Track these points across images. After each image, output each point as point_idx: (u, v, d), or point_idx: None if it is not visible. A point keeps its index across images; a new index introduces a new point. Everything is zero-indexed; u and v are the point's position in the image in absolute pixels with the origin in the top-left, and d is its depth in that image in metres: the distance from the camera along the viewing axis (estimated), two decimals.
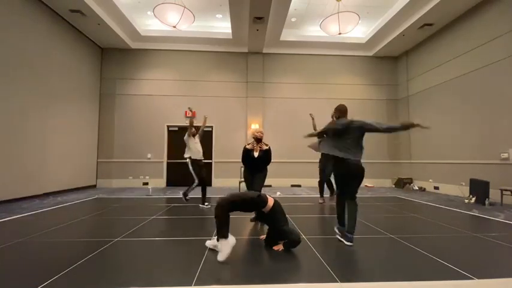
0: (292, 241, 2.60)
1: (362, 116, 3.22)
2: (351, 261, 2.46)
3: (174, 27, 6.39)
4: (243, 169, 4.12)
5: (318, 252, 2.57)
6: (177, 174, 8.83)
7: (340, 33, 6.75)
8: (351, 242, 2.79)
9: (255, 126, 8.80)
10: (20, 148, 5.63)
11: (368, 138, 3.06)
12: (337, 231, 3.01)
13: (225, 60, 9.16)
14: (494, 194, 5.41)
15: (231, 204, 2.41)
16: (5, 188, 5.28)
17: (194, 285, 1.87)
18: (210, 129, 8.93)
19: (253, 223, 3.73)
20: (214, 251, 2.53)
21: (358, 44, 8.96)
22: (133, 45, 8.79)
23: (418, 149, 8.48)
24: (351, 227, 2.84)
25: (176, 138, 8.96)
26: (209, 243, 2.65)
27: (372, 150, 8.77)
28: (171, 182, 8.81)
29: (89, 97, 8.14)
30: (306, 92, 9.27)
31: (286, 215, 2.76)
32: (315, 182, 5.64)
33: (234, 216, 2.62)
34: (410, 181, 8.52)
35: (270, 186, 8.45)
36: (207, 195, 5.12)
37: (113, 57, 8.82)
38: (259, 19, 6.96)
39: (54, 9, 6.57)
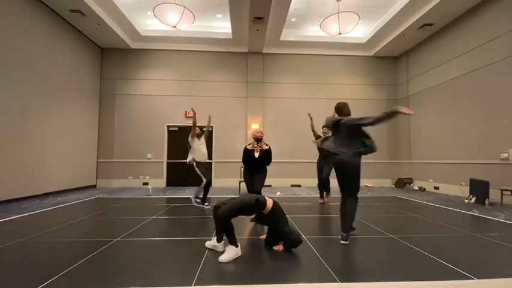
0: (293, 241, 2.60)
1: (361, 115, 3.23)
2: (351, 261, 2.47)
3: (174, 27, 6.39)
4: (243, 169, 4.12)
5: (318, 252, 2.57)
6: (177, 174, 8.83)
7: (340, 33, 6.75)
8: (344, 240, 2.81)
9: (255, 126, 8.80)
10: (20, 148, 5.63)
11: None
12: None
13: (225, 60, 9.16)
14: (494, 194, 5.41)
15: (230, 214, 2.40)
16: (5, 188, 5.28)
17: (194, 285, 1.87)
18: (210, 129, 8.91)
19: (253, 223, 3.73)
20: (214, 251, 2.54)
21: (358, 44, 8.96)
22: (133, 45, 8.79)
23: (418, 149, 8.48)
24: (344, 226, 2.87)
25: (176, 138, 8.97)
26: (209, 244, 2.65)
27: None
28: (171, 182, 8.81)
29: (89, 97, 8.14)
30: (306, 92, 9.27)
31: (286, 215, 2.76)
32: (315, 182, 5.63)
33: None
34: (410, 181, 8.52)
35: (270, 186, 8.45)
36: (207, 196, 5.09)
37: (113, 57, 8.82)
38: (259, 19, 6.96)
39: (54, 9, 6.57)
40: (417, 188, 8.14)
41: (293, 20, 7.99)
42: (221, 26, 8.38)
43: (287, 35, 8.61)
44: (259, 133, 3.95)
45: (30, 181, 5.91)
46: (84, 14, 6.72)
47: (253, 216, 3.84)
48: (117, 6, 6.88)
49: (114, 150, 8.64)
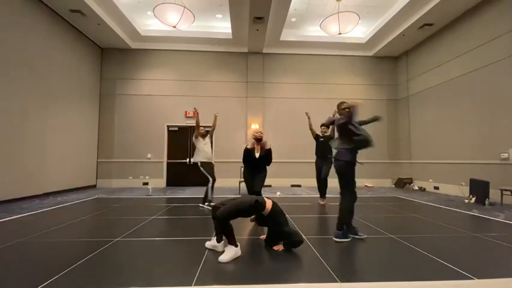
0: (294, 242, 2.60)
1: (362, 116, 3.23)
2: (351, 261, 2.47)
3: (174, 27, 6.38)
4: (243, 169, 4.12)
5: (318, 252, 2.56)
6: (177, 174, 8.84)
7: (340, 33, 6.75)
8: (336, 237, 2.91)
9: (255, 126, 8.80)
10: (20, 148, 5.63)
11: None
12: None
13: (225, 60, 9.16)
14: (494, 194, 5.41)
15: (229, 216, 2.40)
16: (5, 188, 5.28)
17: (194, 285, 1.87)
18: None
19: (253, 223, 3.73)
20: (214, 251, 2.54)
21: (358, 44, 8.96)
22: (133, 45, 8.79)
23: (418, 149, 8.48)
24: (337, 223, 2.94)
25: (176, 138, 8.97)
26: (208, 244, 2.65)
27: (372, 150, 8.76)
28: (171, 182, 8.81)
29: (89, 97, 8.14)
30: (306, 92, 9.27)
31: (286, 215, 2.76)
32: (315, 182, 5.61)
33: None
34: (410, 181, 8.52)
35: (270, 186, 8.45)
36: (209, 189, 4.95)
37: (113, 57, 8.82)
38: (259, 19, 6.96)
39: (54, 9, 6.57)
40: (417, 188, 8.14)
41: (293, 20, 7.99)
42: (221, 26, 8.38)
43: (287, 35, 8.61)
44: (259, 133, 3.96)
45: (30, 181, 5.91)
46: (84, 14, 6.72)
47: (253, 216, 3.85)
48: (117, 6, 6.89)
49: (114, 150, 8.64)
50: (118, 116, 8.74)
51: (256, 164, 3.93)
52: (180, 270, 2.15)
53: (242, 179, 4.23)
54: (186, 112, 8.88)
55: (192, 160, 4.91)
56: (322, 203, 5.32)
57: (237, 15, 7.17)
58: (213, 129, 5.16)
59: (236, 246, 2.41)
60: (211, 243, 2.63)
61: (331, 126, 5.17)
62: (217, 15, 7.91)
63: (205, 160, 4.82)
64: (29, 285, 1.85)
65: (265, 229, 2.92)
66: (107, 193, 7.00)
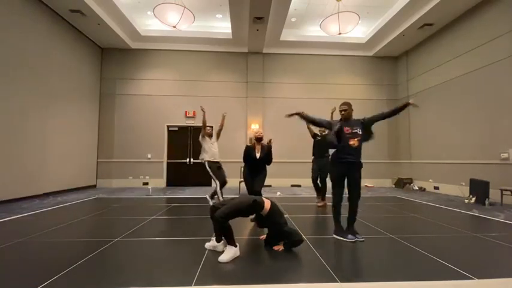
0: (294, 241, 2.60)
1: (365, 114, 3.27)
2: (351, 261, 2.47)
3: (174, 27, 6.38)
4: (243, 169, 4.13)
5: (318, 252, 2.56)
6: (177, 174, 8.84)
7: (340, 33, 6.75)
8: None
9: (255, 126, 8.81)
10: (20, 148, 5.62)
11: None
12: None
13: (225, 60, 9.16)
14: (494, 194, 5.41)
15: (228, 216, 2.39)
16: (5, 188, 5.27)
17: (194, 285, 1.87)
18: (210, 129, 8.92)
19: (253, 223, 3.73)
20: (214, 251, 2.54)
21: (358, 44, 8.96)
22: (133, 45, 8.79)
23: (418, 149, 8.48)
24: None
25: (176, 138, 8.97)
26: (208, 245, 2.65)
27: (372, 150, 8.76)
28: (171, 182, 8.81)
29: (89, 97, 8.14)
30: (306, 92, 9.27)
31: (286, 215, 2.76)
32: None
33: None
34: (410, 181, 8.52)
35: (270, 186, 8.45)
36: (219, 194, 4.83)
37: (113, 57, 8.82)
38: (259, 19, 6.96)
39: (54, 9, 6.57)
40: (417, 188, 8.14)
41: (293, 20, 7.99)
42: (221, 26, 8.38)
43: (287, 35, 8.61)
44: (259, 133, 3.98)
45: (30, 181, 5.91)
46: (84, 14, 6.72)
47: (253, 216, 3.85)
48: (117, 6, 6.88)
49: (114, 150, 8.64)
50: (118, 116, 8.74)
51: (256, 164, 3.94)
52: (180, 270, 2.15)
53: (242, 179, 4.23)
54: (186, 112, 8.88)
55: (199, 159, 4.80)
56: (320, 204, 5.17)
57: (237, 15, 7.17)
58: (221, 129, 5.04)
59: (235, 246, 2.41)
60: (211, 243, 2.63)
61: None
62: (217, 15, 7.91)
63: (212, 160, 4.72)
64: (29, 285, 1.85)
65: (265, 229, 2.92)
66: (107, 193, 7.00)
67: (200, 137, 4.81)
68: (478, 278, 2.01)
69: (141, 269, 2.18)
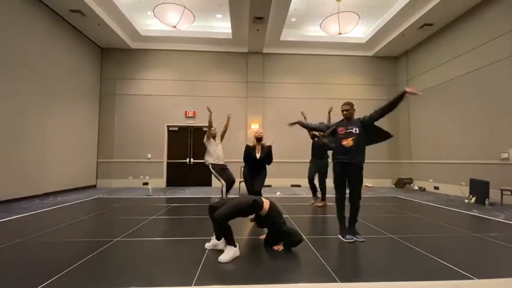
0: (293, 241, 2.60)
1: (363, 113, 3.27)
2: (351, 261, 2.47)
3: (174, 27, 6.38)
4: (243, 169, 4.13)
5: (318, 252, 2.56)
6: (177, 174, 8.84)
7: (340, 33, 6.75)
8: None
9: (255, 126, 8.81)
10: (20, 148, 5.62)
11: None
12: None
13: (225, 60, 9.16)
14: (494, 194, 5.41)
15: (227, 217, 2.39)
16: (5, 188, 5.27)
17: (194, 285, 1.87)
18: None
19: (253, 223, 3.73)
20: (214, 251, 2.54)
21: (358, 44, 8.96)
22: (133, 45, 8.79)
23: (418, 149, 8.48)
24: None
25: (176, 138, 8.97)
26: (208, 245, 2.65)
27: (372, 150, 8.74)
28: (171, 182, 8.81)
29: (89, 97, 8.14)
30: (306, 92, 9.27)
31: (285, 215, 2.76)
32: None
33: None
34: (410, 181, 8.52)
35: (270, 186, 8.45)
36: (228, 193, 4.66)
37: (113, 57, 8.82)
38: (259, 19, 6.96)
39: (54, 9, 6.57)
40: (417, 188, 8.14)
41: (293, 20, 7.99)
42: (221, 26, 8.38)
43: (287, 35, 8.61)
44: (259, 133, 4.00)
45: (30, 181, 5.91)
46: (84, 14, 6.72)
47: (253, 216, 3.86)
48: (117, 6, 6.88)
49: (114, 150, 8.64)
50: (118, 116, 8.74)
51: (256, 164, 3.94)
52: (180, 270, 2.15)
53: (242, 179, 4.23)
54: (186, 112, 8.89)
55: (204, 161, 4.68)
56: (319, 204, 5.17)
57: (237, 15, 7.17)
58: (225, 130, 4.94)
59: (235, 246, 2.41)
60: (211, 243, 2.63)
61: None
62: (217, 15, 7.91)
63: (216, 162, 4.61)
64: (29, 285, 1.85)
65: (265, 229, 2.92)
66: (107, 193, 7.00)
67: (205, 138, 4.69)
68: (478, 278, 2.01)
69: (141, 269, 2.18)
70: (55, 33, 6.69)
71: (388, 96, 9.48)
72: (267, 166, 4.09)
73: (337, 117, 3.49)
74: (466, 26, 6.74)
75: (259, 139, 3.99)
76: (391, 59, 9.56)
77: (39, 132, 6.14)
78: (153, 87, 8.91)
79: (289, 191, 7.72)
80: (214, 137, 4.73)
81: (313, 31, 8.62)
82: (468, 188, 5.94)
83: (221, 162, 4.65)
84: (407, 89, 2.79)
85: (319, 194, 5.32)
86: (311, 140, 5.59)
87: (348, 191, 3.07)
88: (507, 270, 2.16)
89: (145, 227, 3.50)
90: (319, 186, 5.21)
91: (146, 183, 8.46)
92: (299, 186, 8.82)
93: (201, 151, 8.80)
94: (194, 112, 8.91)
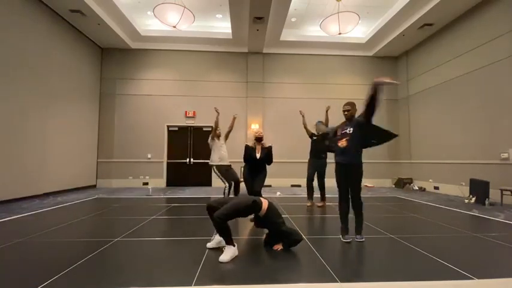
0: (292, 241, 2.61)
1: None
2: (351, 261, 2.47)
3: (174, 27, 6.39)
4: (243, 169, 4.13)
5: (318, 252, 2.56)
6: (177, 174, 8.84)
7: (340, 33, 6.75)
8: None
9: (255, 126, 8.81)
10: (20, 148, 5.62)
11: None
12: None
13: (225, 60, 9.16)
14: (494, 194, 5.41)
15: (226, 217, 2.40)
16: (5, 188, 5.27)
17: (194, 285, 1.87)
18: (210, 129, 8.93)
19: (253, 223, 3.72)
20: (214, 251, 2.54)
21: (358, 44, 8.96)
22: (133, 45, 8.79)
23: (418, 149, 8.48)
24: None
25: (176, 138, 8.97)
26: (211, 244, 2.65)
27: (372, 150, 8.74)
28: (171, 182, 8.81)
29: (89, 97, 8.14)
30: (306, 92, 9.27)
31: (285, 215, 2.76)
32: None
33: None
34: (410, 181, 8.52)
35: (270, 186, 8.45)
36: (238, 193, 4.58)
37: (113, 57, 8.82)
38: (259, 19, 6.96)
39: (54, 9, 6.57)
40: (417, 188, 8.14)
41: (293, 20, 7.99)
42: (221, 26, 8.38)
43: (287, 35, 8.61)
44: (259, 132, 4.00)
45: (30, 181, 5.91)
46: (84, 14, 6.72)
47: (253, 216, 3.85)
48: (117, 6, 6.88)
49: (114, 150, 8.64)
50: (118, 116, 8.74)
51: (256, 164, 3.94)
52: (180, 270, 2.15)
53: (242, 179, 4.23)
54: (186, 112, 8.89)
55: (209, 160, 4.63)
56: (319, 204, 5.15)
57: (237, 15, 7.17)
58: (230, 131, 4.90)
59: (234, 245, 2.42)
60: (214, 241, 2.63)
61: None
62: (217, 15, 7.91)
63: (220, 163, 4.56)
64: (29, 285, 1.85)
65: (266, 230, 2.92)
66: (107, 193, 7.00)
67: (209, 139, 4.65)
68: (478, 278, 2.01)
69: (141, 269, 2.18)
70: (55, 33, 6.69)
71: (388, 96, 9.51)
72: (267, 166, 4.09)
73: (335, 116, 3.50)
74: (466, 26, 6.74)
75: (259, 139, 3.99)
76: (391, 59, 9.56)
77: (39, 132, 6.14)
78: (153, 87, 8.91)
79: (289, 191, 7.72)
80: (218, 137, 4.69)
81: (313, 31, 8.62)
82: (468, 188, 5.94)
83: (225, 163, 4.62)
84: (375, 80, 2.68)
85: (316, 196, 5.28)
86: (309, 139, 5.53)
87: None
88: (507, 270, 2.16)
89: (145, 227, 3.50)
90: (319, 186, 5.19)
91: (146, 183, 8.46)
92: (299, 186, 8.81)
93: (201, 151, 8.91)
94: (194, 112, 8.91)
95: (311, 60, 9.39)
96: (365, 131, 2.90)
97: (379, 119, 9.49)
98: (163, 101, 8.89)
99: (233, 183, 4.50)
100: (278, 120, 9.13)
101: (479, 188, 5.51)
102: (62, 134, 6.92)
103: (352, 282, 1.94)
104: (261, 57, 9.20)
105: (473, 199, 5.52)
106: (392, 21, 7.54)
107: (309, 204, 5.12)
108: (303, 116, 5.44)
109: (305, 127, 5.37)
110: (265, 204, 2.64)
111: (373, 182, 9.02)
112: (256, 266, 2.27)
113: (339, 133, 3.03)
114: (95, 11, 6.61)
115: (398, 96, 9.43)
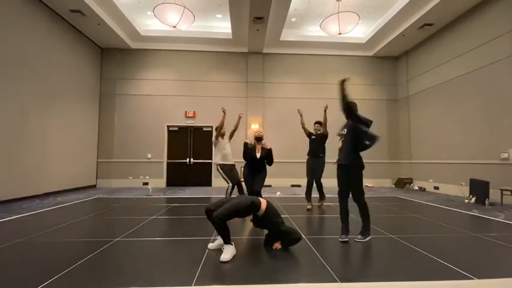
0: (292, 240, 2.61)
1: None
2: (351, 261, 2.47)
3: (174, 27, 6.39)
4: (243, 169, 4.13)
5: (318, 252, 2.56)
6: (177, 174, 8.84)
7: (340, 33, 6.75)
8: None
9: (255, 126, 8.81)
10: (20, 148, 5.62)
11: None
12: None
13: (225, 60, 9.16)
14: (494, 194, 5.41)
15: (226, 217, 2.40)
16: (5, 188, 5.27)
17: (194, 285, 1.87)
18: (210, 129, 8.94)
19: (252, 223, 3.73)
20: (214, 251, 2.54)
21: (358, 44, 8.96)
22: (133, 45, 8.79)
23: (418, 149, 8.48)
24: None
25: (176, 138, 8.97)
26: (213, 246, 2.64)
27: (372, 150, 8.74)
28: (171, 182, 8.81)
29: (89, 97, 8.14)
30: (306, 92, 9.27)
31: (285, 215, 2.76)
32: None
33: None
34: (410, 181, 8.52)
35: (270, 186, 8.45)
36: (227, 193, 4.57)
37: (113, 57, 8.82)
38: (259, 19, 6.96)
39: (54, 9, 6.57)
40: (417, 188, 8.14)
41: (293, 20, 7.99)
42: (221, 26, 8.38)
43: (287, 35, 8.61)
44: (259, 132, 4.00)
45: (30, 181, 5.91)
46: (84, 14, 6.72)
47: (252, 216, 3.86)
48: (117, 6, 6.88)
49: (114, 150, 8.64)
50: (118, 116, 8.74)
51: (256, 164, 3.94)
52: (180, 270, 2.15)
53: (242, 179, 4.23)
54: (186, 112, 8.89)
55: (213, 160, 4.60)
56: (319, 204, 5.13)
57: (237, 15, 7.17)
58: (235, 130, 4.86)
59: (232, 244, 2.44)
60: (217, 243, 2.62)
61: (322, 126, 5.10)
62: (217, 15, 7.91)
63: (224, 162, 4.53)
64: (29, 285, 1.85)
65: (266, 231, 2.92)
66: (107, 193, 7.00)
67: (213, 138, 4.65)
68: (478, 278, 2.01)
69: (141, 269, 2.18)
70: (55, 33, 6.69)
71: (388, 96, 9.52)
72: (267, 166, 4.09)
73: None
74: (466, 26, 6.74)
75: (259, 138, 3.99)
76: (391, 59, 9.56)
77: (39, 132, 6.14)
78: (153, 87, 8.91)
79: (289, 191, 7.72)
80: (222, 136, 4.68)
81: (313, 31, 8.62)
82: (468, 188, 5.94)
83: (230, 162, 4.60)
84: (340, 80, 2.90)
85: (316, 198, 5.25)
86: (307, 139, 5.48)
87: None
88: (507, 270, 2.16)
89: (145, 227, 3.50)
90: (317, 186, 5.17)
91: (146, 183, 8.47)
92: (299, 186, 8.81)
93: (201, 151, 8.91)
94: (194, 112, 8.91)
95: (311, 60, 9.39)
96: (356, 132, 2.94)
97: (379, 119, 9.48)
98: (163, 101, 8.89)
99: (236, 184, 4.50)
100: (278, 120, 9.13)
101: (479, 188, 5.51)
102: (62, 134, 6.92)
103: (352, 282, 1.94)
104: (261, 57, 9.20)
105: (473, 199, 5.52)
106: (392, 21, 7.54)
107: (308, 207, 5.10)
108: (301, 115, 5.42)
109: (303, 126, 5.35)
110: (263, 204, 2.64)
111: (373, 182, 9.02)
112: (256, 266, 2.27)
113: (339, 133, 3.08)
114: (94, 11, 6.61)
115: (398, 96, 9.43)
